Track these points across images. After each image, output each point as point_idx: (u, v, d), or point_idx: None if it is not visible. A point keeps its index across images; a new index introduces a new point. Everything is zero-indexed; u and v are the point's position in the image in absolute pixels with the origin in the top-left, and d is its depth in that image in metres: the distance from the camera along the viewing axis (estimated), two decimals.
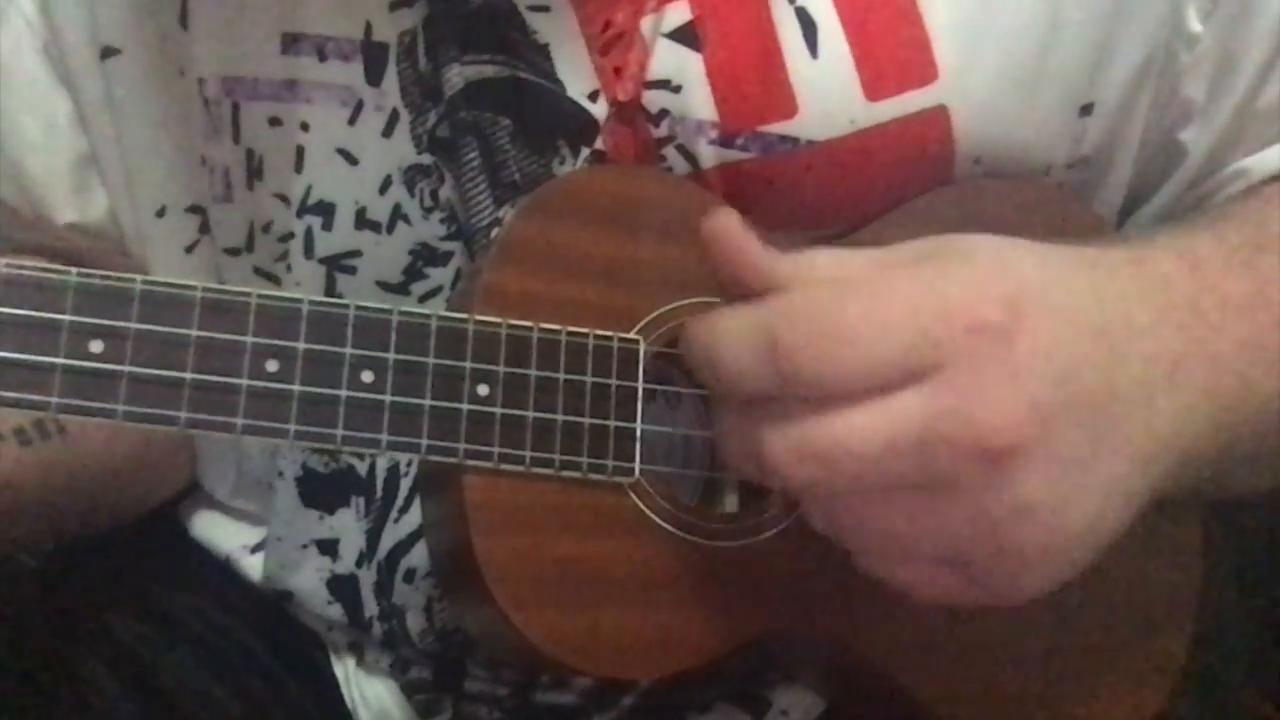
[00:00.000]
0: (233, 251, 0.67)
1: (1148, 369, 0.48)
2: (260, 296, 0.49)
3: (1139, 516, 0.49)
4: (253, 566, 0.73)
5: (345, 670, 0.73)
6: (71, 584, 0.74)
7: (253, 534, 0.74)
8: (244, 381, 0.49)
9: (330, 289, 0.65)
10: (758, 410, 0.47)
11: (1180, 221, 0.61)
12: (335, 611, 0.69)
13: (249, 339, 0.49)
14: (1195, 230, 0.56)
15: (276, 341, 0.49)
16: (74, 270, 0.47)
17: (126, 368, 0.47)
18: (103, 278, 0.47)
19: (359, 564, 0.68)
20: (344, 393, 0.50)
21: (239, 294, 0.49)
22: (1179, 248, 0.53)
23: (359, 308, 0.51)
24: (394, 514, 0.67)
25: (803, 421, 0.46)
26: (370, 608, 0.68)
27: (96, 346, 0.47)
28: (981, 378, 0.44)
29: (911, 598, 0.50)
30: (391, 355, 0.51)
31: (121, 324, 0.47)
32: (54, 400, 0.46)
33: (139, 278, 0.48)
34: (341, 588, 0.69)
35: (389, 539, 0.67)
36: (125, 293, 0.47)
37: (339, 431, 0.50)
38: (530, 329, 0.53)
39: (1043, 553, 0.46)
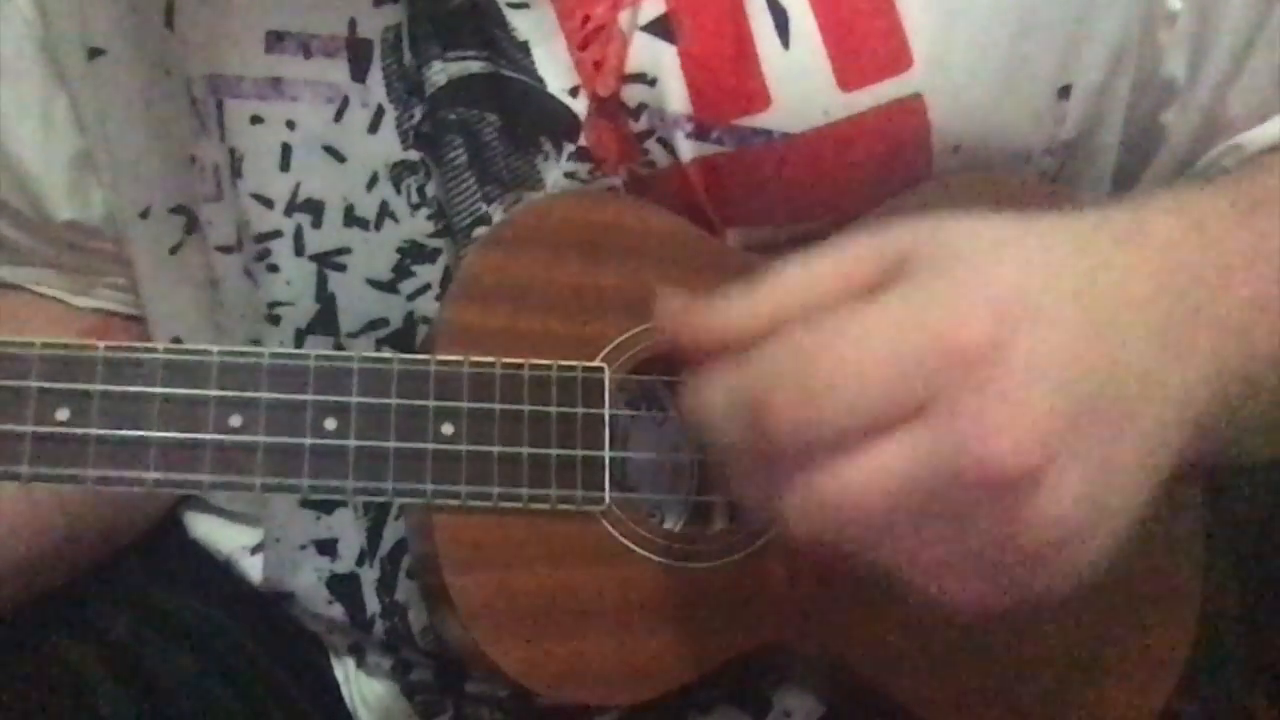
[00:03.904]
0: (225, 249, 0.72)
1: (1150, 344, 0.49)
2: (221, 353, 0.54)
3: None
4: (253, 567, 0.78)
5: (346, 672, 0.78)
6: (71, 585, 0.79)
7: (253, 535, 0.79)
8: (209, 437, 0.54)
9: (321, 287, 0.69)
10: (766, 468, 0.48)
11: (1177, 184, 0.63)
12: (336, 611, 0.74)
13: (212, 394, 0.54)
14: (1193, 189, 0.57)
15: (240, 394, 0.54)
16: (38, 340, 0.52)
17: (93, 431, 0.53)
18: (65, 345, 0.52)
19: (360, 562, 0.73)
20: (308, 441, 0.55)
21: (200, 352, 0.54)
22: (1179, 206, 0.54)
23: (319, 356, 0.56)
24: (394, 511, 0.72)
25: (807, 478, 0.46)
26: (372, 605, 0.73)
27: (63, 414, 0.52)
28: (977, 406, 0.45)
29: (954, 615, 0.50)
30: (354, 399, 0.56)
31: (86, 387, 0.53)
32: (24, 470, 0.51)
33: (102, 344, 0.53)
34: (341, 587, 0.74)
35: (390, 536, 0.72)
36: (88, 358, 0.53)
37: (305, 481, 0.55)
38: (493, 364, 0.58)
39: (1080, 555, 0.47)
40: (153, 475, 0.53)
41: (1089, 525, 0.46)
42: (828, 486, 0.46)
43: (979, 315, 0.46)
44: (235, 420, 0.54)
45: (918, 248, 0.49)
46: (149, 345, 0.54)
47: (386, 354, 0.57)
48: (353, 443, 0.56)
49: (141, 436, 0.53)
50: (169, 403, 0.54)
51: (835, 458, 0.46)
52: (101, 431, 0.53)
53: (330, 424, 0.56)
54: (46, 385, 0.52)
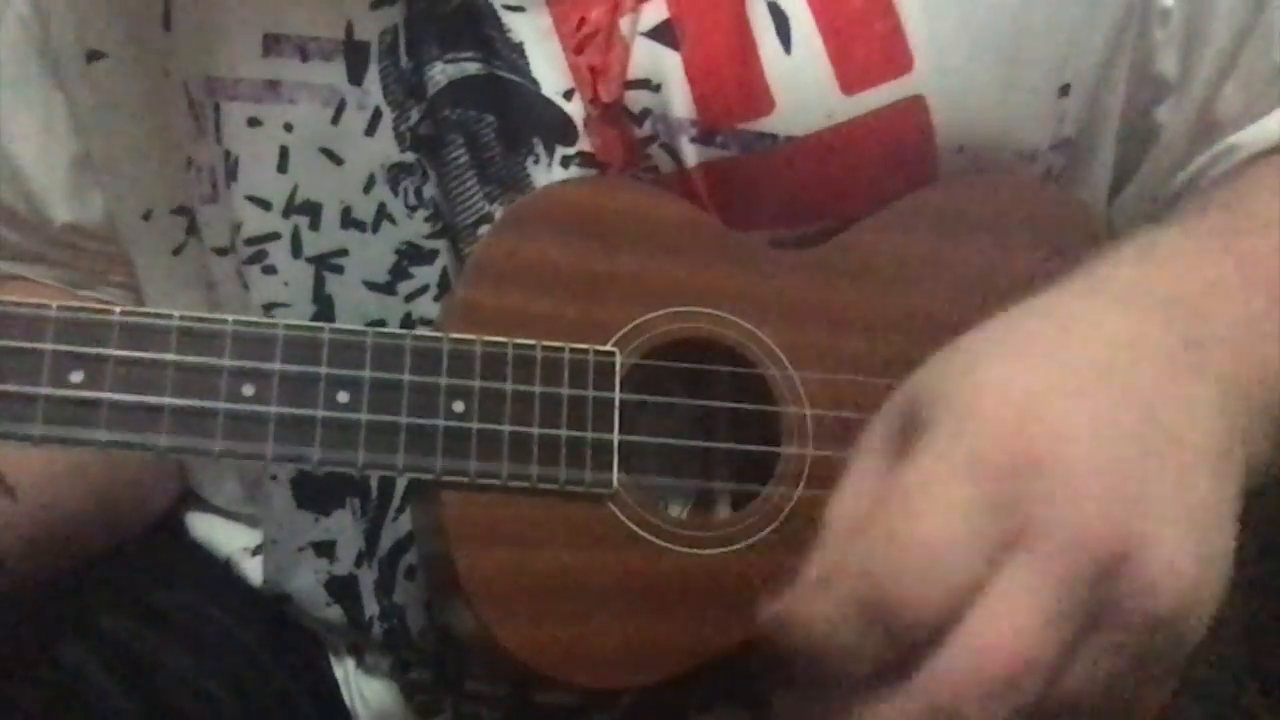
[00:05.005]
0: (220, 251, 0.73)
1: (1160, 376, 0.49)
2: (236, 322, 0.55)
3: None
4: (253, 569, 0.79)
5: (345, 671, 0.78)
6: (70, 584, 0.80)
7: (252, 537, 0.80)
8: (221, 405, 0.55)
9: (319, 289, 0.70)
10: (899, 669, 0.45)
11: (1154, 221, 0.63)
12: (334, 613, 0.75)
13: (226, 363, 0.55)
14: (1163, 226, 0.58)
15: (252, 364, 0.55)
16: (54, 304, 0.53)
17: (107, 395, 0.53)
18: (81, 309, 0.53)
19: (358, 564, 0.74)
20: (320, 413, 0.56)
21: (215, 321, 0.55)
22: (1139, 248, 0.55)
23: (333, 330, 0.56)
24: (391, 513, 0.72)
25: (956, 654, 0.44)
26: (370, 607, 0.74)
27: (77, 376, 0.53)
28: (1057, 510, 0.44)
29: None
30: (367, 374, 0.57)
31: (100, 351, 0.53)
32: (37, 432, 0.52)
33: (117, 308, 0.54)
34: (340, 589, 0.74)
35: (388, 537, 0.72)
36: (104, 322, 0.53)
37: (315, 453, 0.56)
38: (505, 344, 0.59)
39: (1208, 602, 0.46)
40: (164, 441, 0.54)
41: (1205, 569, 0.46)
42: (985, 649, 0.44)
43: (1003, 433, 0.46)
44: (248, 390, 0.55)
45: (918, 400, 0.49)
46: (165, 311, 0.54)
47: (400, 330, 0.58)
48: (364, 417, 0.56)
49: (154, 402, 0.54)
50: (183, 369, 0.54)
51: (971, 618, 0.44)
52: (115, 396, 0.53)
53: (342, 397, 0.56)
54: (62, 348, 0.53)
